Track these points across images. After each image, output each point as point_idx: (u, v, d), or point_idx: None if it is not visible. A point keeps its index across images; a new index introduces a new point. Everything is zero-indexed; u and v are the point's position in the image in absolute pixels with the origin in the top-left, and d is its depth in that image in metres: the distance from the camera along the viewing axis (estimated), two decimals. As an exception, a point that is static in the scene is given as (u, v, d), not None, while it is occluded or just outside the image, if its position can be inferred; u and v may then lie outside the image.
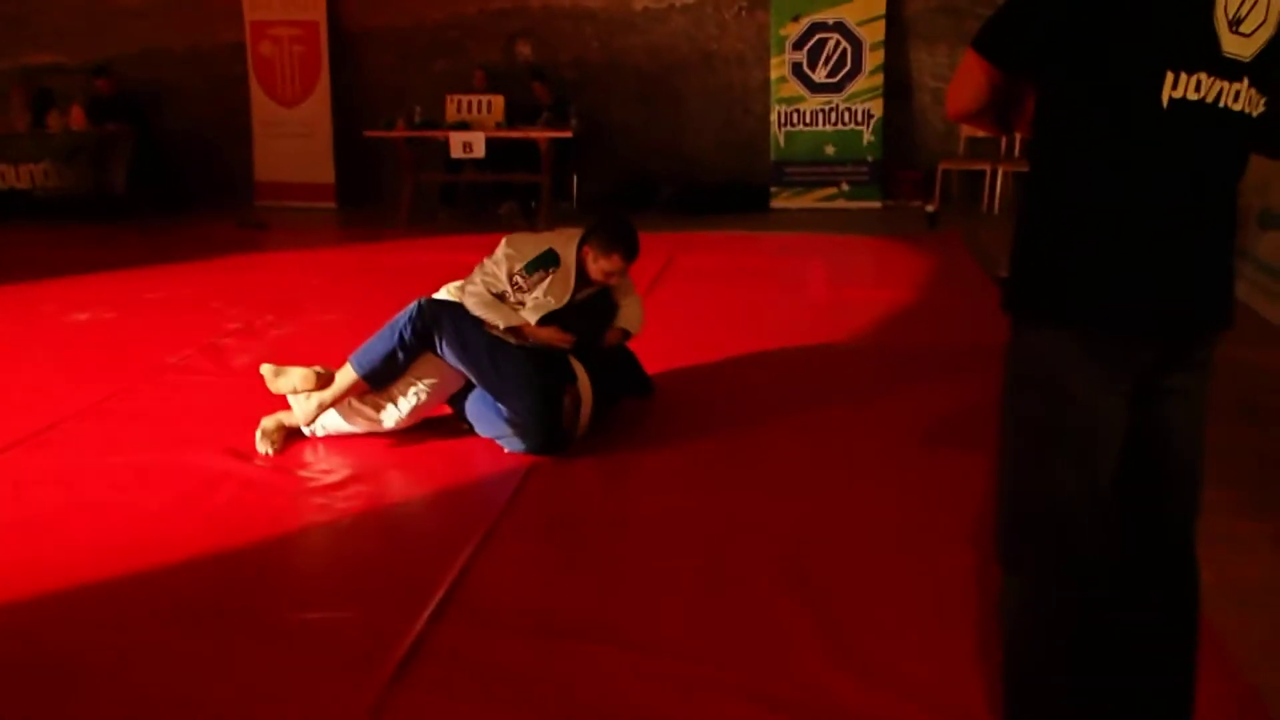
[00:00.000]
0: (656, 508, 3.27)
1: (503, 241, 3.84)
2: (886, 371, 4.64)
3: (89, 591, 2.81)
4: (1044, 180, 1.71)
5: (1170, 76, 1.58)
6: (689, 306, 5.64)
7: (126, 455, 3.72)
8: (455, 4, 9.79)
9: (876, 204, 9.14)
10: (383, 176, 9.95)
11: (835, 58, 9.08)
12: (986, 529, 3.00)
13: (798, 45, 9.15)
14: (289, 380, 3.74)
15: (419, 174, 9.14)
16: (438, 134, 8.92)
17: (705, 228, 8.23)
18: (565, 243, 3.81)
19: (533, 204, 9.19)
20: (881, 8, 8.94)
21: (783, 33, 9.16)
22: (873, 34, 8.99)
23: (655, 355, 4.23)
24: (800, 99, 9.20)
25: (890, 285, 6.07)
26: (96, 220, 9.23)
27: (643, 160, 9.61)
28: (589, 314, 3.85)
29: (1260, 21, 1.58)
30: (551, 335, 3.70)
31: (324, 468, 3.59)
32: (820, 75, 9.14)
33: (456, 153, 8.80)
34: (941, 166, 8.93)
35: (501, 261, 3.77)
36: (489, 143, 8.85)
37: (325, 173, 9.95)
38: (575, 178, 9.49)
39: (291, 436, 3.78)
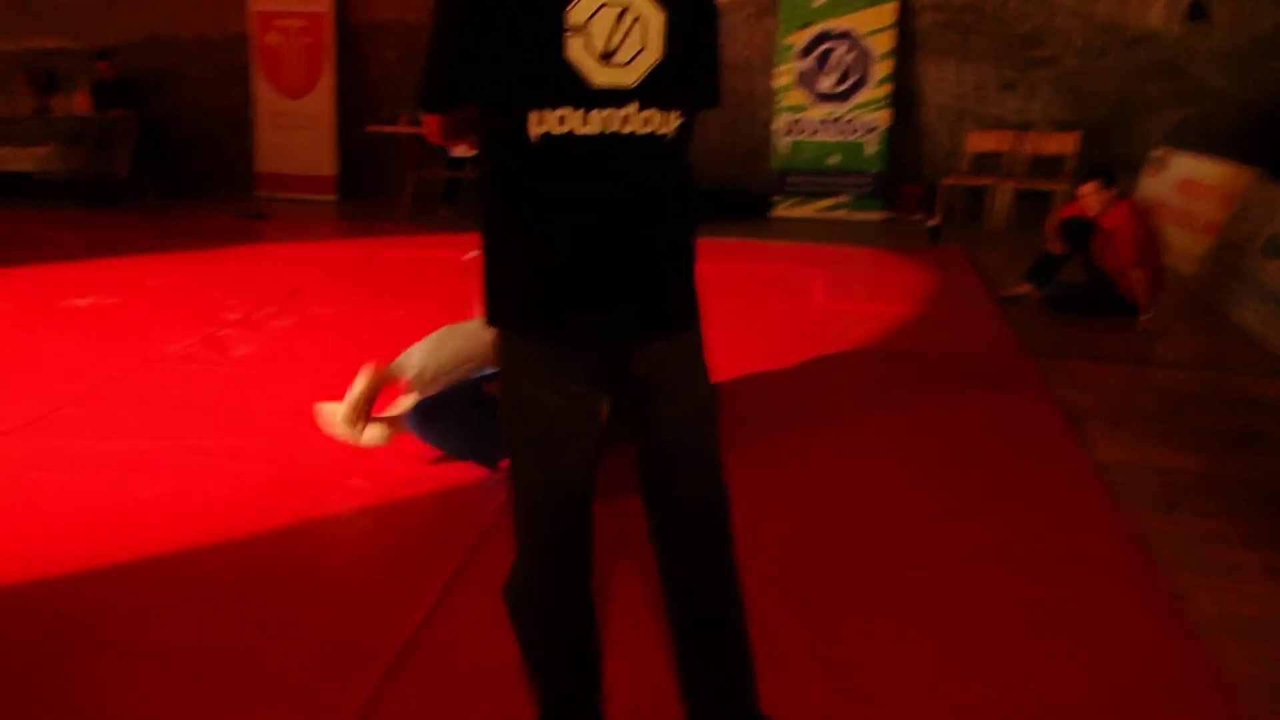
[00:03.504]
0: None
1: None
2: (883, 383, 4.65)
3: (79, 579, 2.80)
4: (488, 200, 1.83)
5: (533, 115, 1.70)
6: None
7: (124, 442, 3.71)
8: None
9: (879, 216, 9.13)
10: (385, 171, 9.94)
11: (842, 67, 9.08)
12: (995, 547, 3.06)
13: (804, 53, 9.15)
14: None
15: (421, 170, 9.13)
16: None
17: (706, 234, 8.19)
18: None
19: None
20: (891, 18, 8.93)
21: (789, 41, 9.16)
22: (881, 44, 8.98)
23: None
24: (805, 107, 9.20)
25: (892, 299, 6.07)
26: (98, 205, 9.26)
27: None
28: None
29: (638, 49, 1.71)
30: None
31: (325, 459, 3.59)
32: (826, 85, 9.14)
33: (456, 150, 8.81)
34: (944, 182, 8.94)
35: None
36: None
37: (327, 165, 9.92)
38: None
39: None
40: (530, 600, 1.99)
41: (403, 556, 2.99)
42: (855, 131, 9.15)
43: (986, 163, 8.99)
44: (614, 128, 1.71)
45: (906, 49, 9.10)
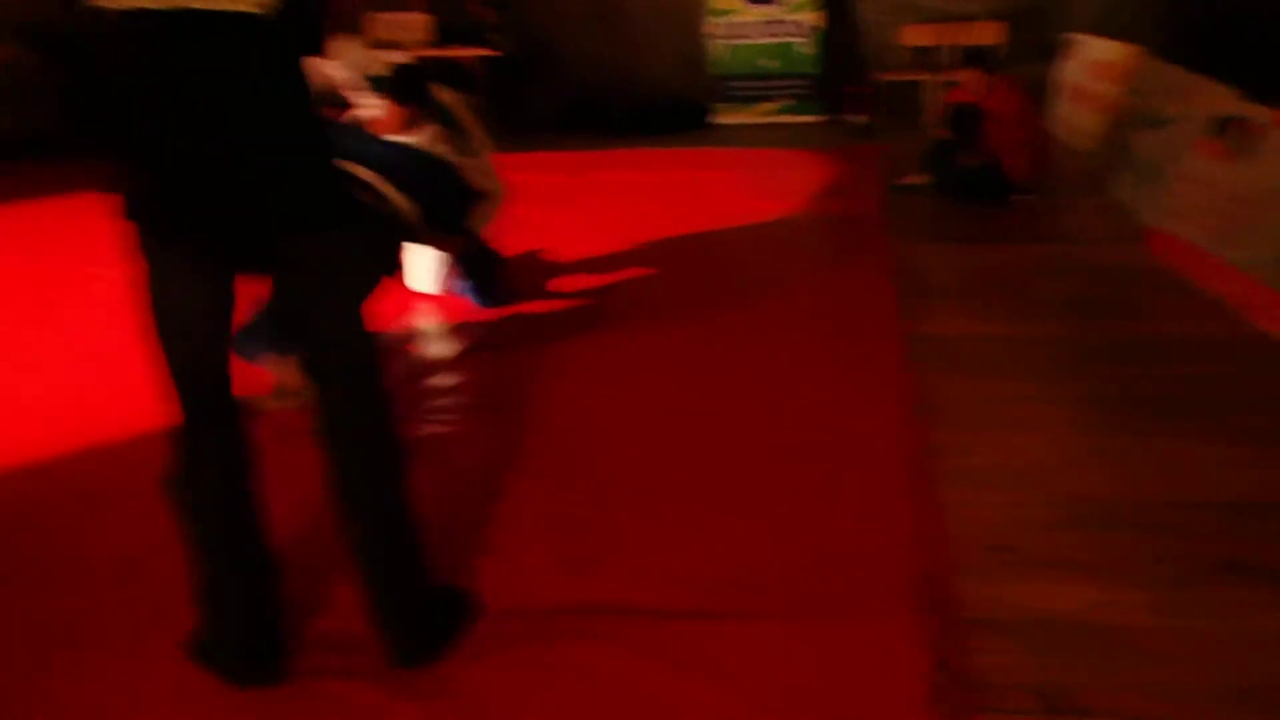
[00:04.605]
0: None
1: None
2: (740, 265, 4.98)
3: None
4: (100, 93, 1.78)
5: None
6: (572, 219, 5.87)
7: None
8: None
9: (817, 118, 9.21)
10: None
11: (772, -31, 9.09)
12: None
13: (733, -43, 9.16)
14: None
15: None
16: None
17: (648, 146, 8.35)
18: None
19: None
20: (817, -83, 8.91)
21: (719, -54, 9.18)
22: (810, -56, 8.98)
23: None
24: (736, 11, 9.23)
25: (786, 196, 6.27)
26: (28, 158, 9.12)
27: (591, 80, 9.69)
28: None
29: None
30: None
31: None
32: (756, -13, 9.16)
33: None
34: (881, 79, 8.98)
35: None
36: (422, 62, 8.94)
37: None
38: (523, 97, 9.59)
39: None
40: (180, 480, 2.03)
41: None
42: (789, 34, 9.18)
43: (925, 58, 9.01)
44: (189, 3, 1.60)
45: (835, -54, 9.08)
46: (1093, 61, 7.43)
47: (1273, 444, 3.07)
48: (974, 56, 5.99)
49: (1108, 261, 4.81)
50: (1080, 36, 7.78)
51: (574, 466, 3.11)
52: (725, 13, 9.26)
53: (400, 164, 3.77)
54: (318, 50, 1.87)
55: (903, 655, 2.23)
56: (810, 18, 9.10)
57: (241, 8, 1.61)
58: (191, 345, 1.93)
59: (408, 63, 4.33)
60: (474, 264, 4.41)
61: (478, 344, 4.15)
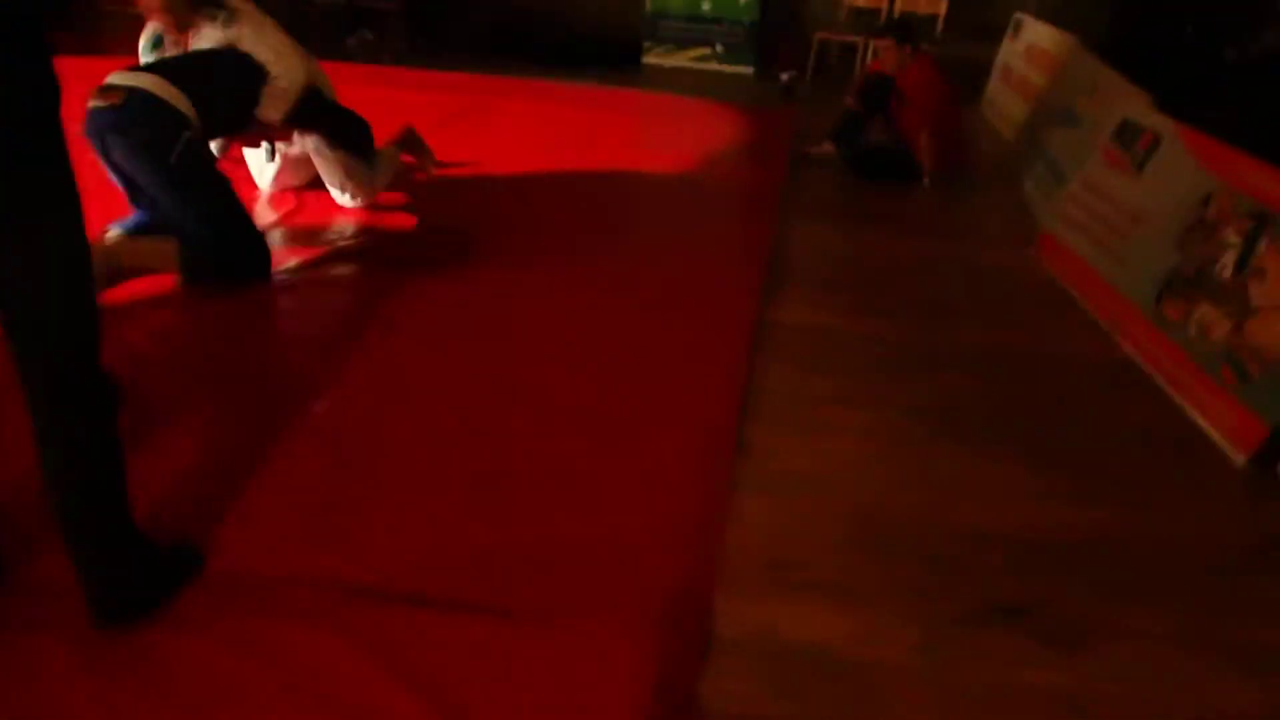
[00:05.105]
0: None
1: None
2: (622, 224, 4.67)
3: None
4: None
5: None
6: (453, 142, 5.56)
7: None
8: None
9: (747, 70, 8.93)
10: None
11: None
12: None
13: (674, -106, 8.79)
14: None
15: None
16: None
17: (570, 79, 8.03)
18: None
19: (383, 37, 8.92)
20: None
21: (666, -122, 8.79)
22: (758, -112, 8.64)
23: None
24: (679, -49, 8.91)
25: (683, 154, 5.97)
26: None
27: (519, 4, 9.32)
28: (173, 63, 3.71)
29: None
30: None
31: None
32: (702, -73, 8.82)
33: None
34: (816, 36, 8.73)
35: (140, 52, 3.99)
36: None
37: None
38: (444, 12, 9.18)
39: None
40: None
41: None
42: (729, -22, 8.87)
43: (865, 19, 8.77)
44: None
45: (785, -107, 8.75)
46: (1029, 45, 7.23)
47: (1102, 480, 2.89)
48: (893, 26, 5.75)
49: (991, 264, 4.62)
50: (1027, 18, 7.59)
51: (359, 427, 2.87)
52: (668, -50, 8.92)
53: (182, 69, 3.62)
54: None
55: (623, 669, 2.03)
56: (754, -36, 8.80)
57: None
58: None
59: None
60: (339, 134, 4.25)
61: (293, 270, 3.86)
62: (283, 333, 3.54)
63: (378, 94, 5.66)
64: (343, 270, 3.93)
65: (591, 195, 5.14)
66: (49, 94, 1.73)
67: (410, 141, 4.83)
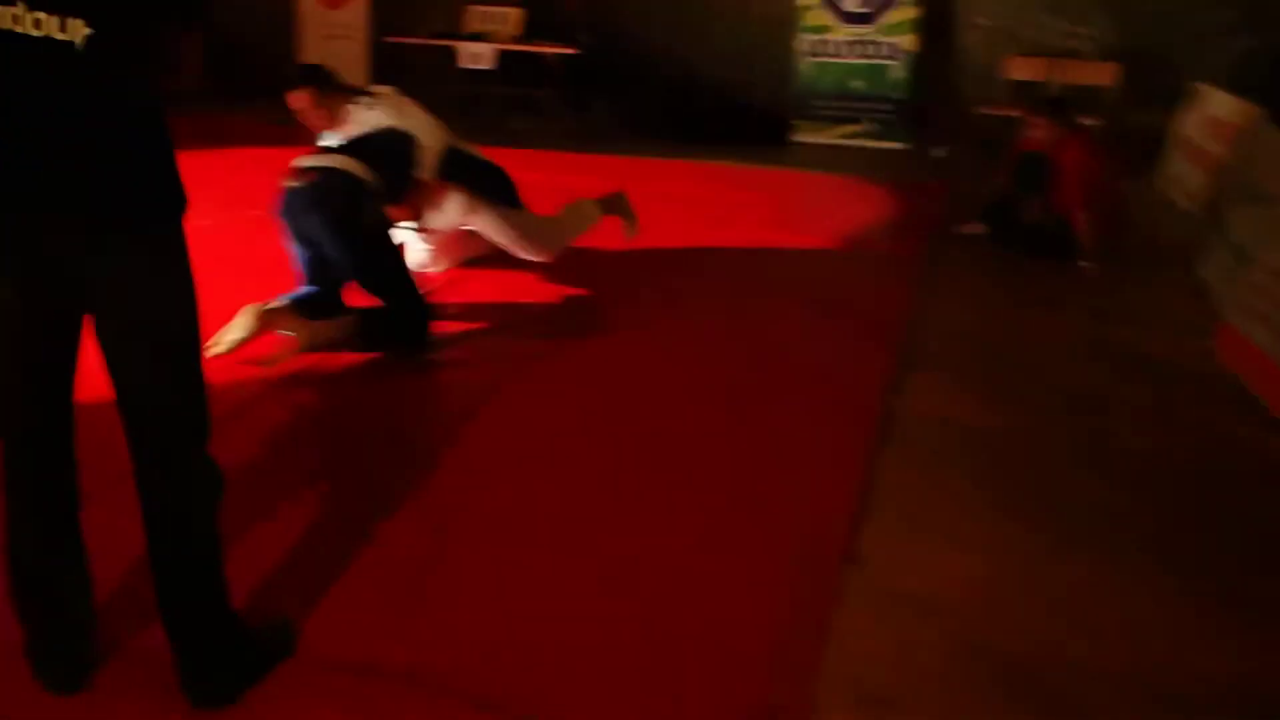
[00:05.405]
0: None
1: None
2: (753, 299, 4.57)
3: None
4: None
5: None
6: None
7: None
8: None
9: (900, 145, 8.61)
10: (411, 83, 9.91)
11: (870, -14, 8.54)
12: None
13: (831, -30, 8.63)
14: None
15: (440, 82, 9.09)
16: (449, 43, 8.90)
17: (722, 156, 7.92)
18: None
19: (543, 120, 9.08)
20: (927, -67, 8.33)
21: (816, -44, 8.65)
22: (914, -38, 8.39)
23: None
24: (828, 28, 8.70)
25: (827, 232, 5.72)
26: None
27: (670, 83, 9.29)
28: (347, 143, 3.99)
29: None
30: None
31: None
32: (852, 4, 8.61)
33: (465, 63, 8.80)
34: (972, 110, 8.35)
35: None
36: (505, 56, 8.81)
37: (358, 76, 9.96)
38: (599, 97, 9.23)
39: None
40: (6, 495, 1.99)
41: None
42: (880, 55, 8.61)
43: (1025, 91, 8.34)
44: (5, 25, 1.71)
45: (941, -34, 8.48)
46: (1209, 116, 6.68)
47: (1276, 620, 2.43)
48: (1047, 104, 5.38)
49: (1157, 354, 4.12)
50: (1206, 87, 7.03)
51: (461, 498, 2.83)
52: (818, 29, 8.73)
53: (361, 145, 3.95)
54: (142, 75, 1.85)
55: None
56: (905, 40, 8.51)
57: (53, 35, 1.71)
58: (16, 378, 1.91)
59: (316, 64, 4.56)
60: (481, 184, 4.42)
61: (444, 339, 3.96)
62: (424, 400, 3.66)
63: (533, 178, 5.65)
64: (485, 341, 4.04)
65: (726, 272, 5.02)
66: (169, 196, 1.89)
67: (617, 204, 4.85)
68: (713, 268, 5.07)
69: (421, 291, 3.94)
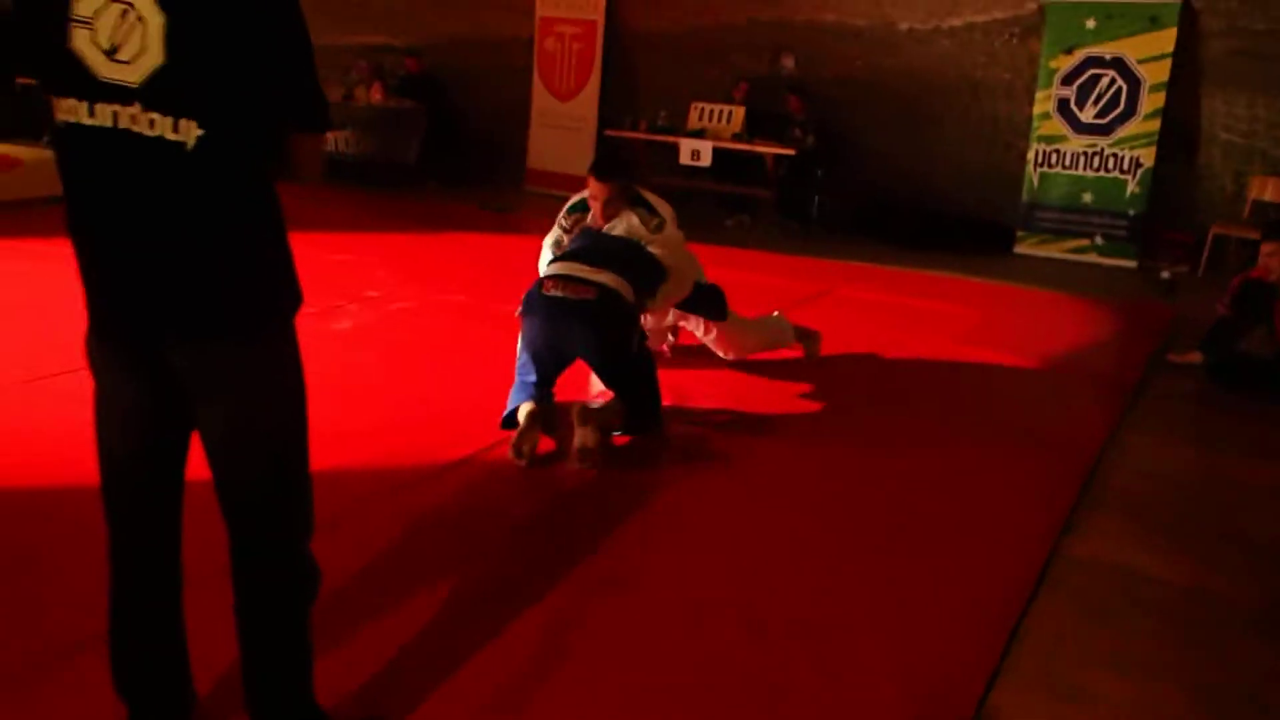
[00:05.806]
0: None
1: None
2: (935, 421, 4.29)
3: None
4: None
5: (54, 102, 1.76)
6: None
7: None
8: (726, 14, 9.87)
9: (1130, 263, 8.17)
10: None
11: (1108, 97, 8.21)
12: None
13: (1067, 80, 8.35)
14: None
15: (658, 174, 9.36)
16: (670, 139, 9.14)
17: (938, 265, 7.80)
18: None
19: (757, 221, 9.18)
20: (1170, 45, 7.95)
21: (1053, 65, 8.41)
22: (1155, 74, 8.02)
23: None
24: (1062, 139, 8.41)
25: (1031, 352, 5.48)
26: (382, 187, 10.22)
27: (890, 186, 9.23)
28: (611, 251, 3.99)
29: (139, 50, 1.70)
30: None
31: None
32: (1088, 115, 8.30)
33: (685, 159, 9.01)
34: (1214, 230, 7.85)
35: (562, 210, 4.44)
36: (723, 154, 8.97)
37: (585, 166, 10.38)
38: (815, 198, 9.25)
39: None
40: (111, 581, 2.03)
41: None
42: (1115, 168, 8.25)
43: (1272, 213, 7.77)
44: (123, 124, 1.73)
45: (1186, 79, 8.06)
46: None
47: None
48: (1276, 228, 4.99)
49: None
50: None
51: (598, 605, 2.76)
52: (1050, 139, 8.47)
53: (613, 251, 4.00)
54: (253, 176, 1.86)
55: None
56: (1141, 154, 8.12)
57: (164, 135, 1.74)
58: (114, 445, 1.96)
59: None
60: (700, 307, 4.59)
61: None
62: (566, 499, 3.55)
63: (740, 277, 5.72)
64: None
65: (908, 386, 4.90)
66: (277, 298, 1.91)
67: (809, 340, 5.06)
68: (896, 381, 4.95)
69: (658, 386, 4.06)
